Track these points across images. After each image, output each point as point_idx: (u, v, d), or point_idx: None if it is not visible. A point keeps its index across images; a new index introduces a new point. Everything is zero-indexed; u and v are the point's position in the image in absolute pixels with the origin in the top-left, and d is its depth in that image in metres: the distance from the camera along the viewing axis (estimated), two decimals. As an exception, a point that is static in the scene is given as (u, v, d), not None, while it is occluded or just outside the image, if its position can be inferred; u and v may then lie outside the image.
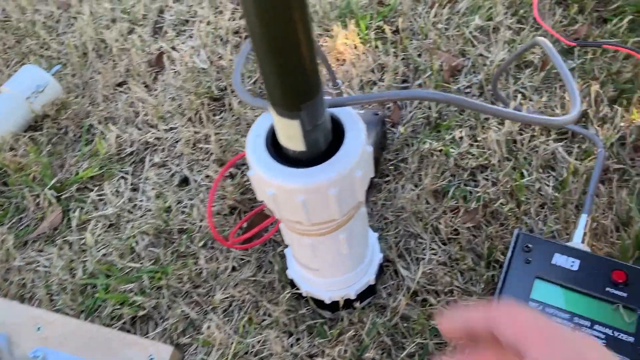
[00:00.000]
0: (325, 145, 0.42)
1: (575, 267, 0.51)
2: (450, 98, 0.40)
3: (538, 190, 0.64)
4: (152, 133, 0.77)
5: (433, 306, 0.57)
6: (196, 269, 0.63)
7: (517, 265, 0.51)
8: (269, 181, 0.41)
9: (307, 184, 0.40)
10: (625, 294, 0.49)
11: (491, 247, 0.59)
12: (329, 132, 0.43)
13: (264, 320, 0.59)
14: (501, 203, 0.63)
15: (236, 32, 0.91)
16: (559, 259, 0.51)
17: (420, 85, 0.77)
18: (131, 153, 0.77)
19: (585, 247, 0.54)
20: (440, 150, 0.69)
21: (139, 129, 0.79)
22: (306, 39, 0.33)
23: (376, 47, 0.83)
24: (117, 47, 0.92)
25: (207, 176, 0.71)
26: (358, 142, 0.42)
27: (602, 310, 0.48)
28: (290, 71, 0.35)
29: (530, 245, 0.52)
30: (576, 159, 0.66)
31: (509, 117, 0.42)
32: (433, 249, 0.61)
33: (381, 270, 0.60)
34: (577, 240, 0.55)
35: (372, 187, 0.68)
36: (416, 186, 0.66)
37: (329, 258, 0.51)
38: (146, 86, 0.85)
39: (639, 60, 0.72)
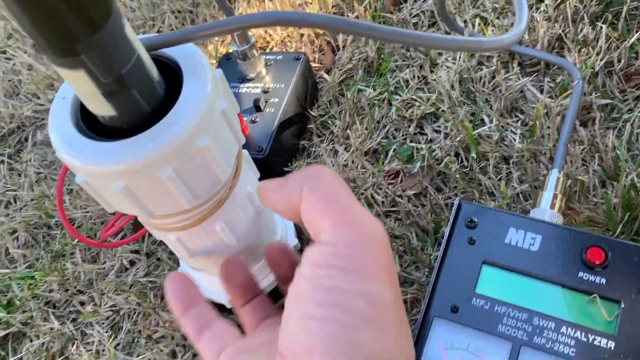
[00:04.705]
0: (152, 104, 0.29)
1: (536, 246, 0.37)
2: (334, 21, 0.26)
3: (501, 141, 0.50)
4: (35, 104, 0.64)
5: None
6: (74, 272, 0.50)
7: (459, 247, 0.38)
8: (72, 162, 0.28)
9: (122, 164, 0.27)
10: (603, 280, 0.35)
11: (437, 220, 0.46)
12: (156, 84, 0.29)
13: (155, 332, 0.47)
14: (450, 161, 0.49)
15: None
16: (515, 236, 0.37)
17: (357, 18, 0.62)
18: (12, 131, 0.64)
19: (554, 215, 0.40)
20: (381, 99, 0.55)
21: (22, 101, 0.66)
22: None
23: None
24: None
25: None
26: (200, 96, 0.28)
27: (573, 305, 0.35)
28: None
29: (475, 219, 0.38)
30: (550, 97, 0.51)
31: (424, 44, 0.28)
32: (370, 226, 0.48)
33: (301, 259, 0.47)
34: (545, 206, 0.41)
35: (297, 152, 0.55)
36: (349, 148, 0.53)
37: (211, 255, 0.39)
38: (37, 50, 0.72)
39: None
